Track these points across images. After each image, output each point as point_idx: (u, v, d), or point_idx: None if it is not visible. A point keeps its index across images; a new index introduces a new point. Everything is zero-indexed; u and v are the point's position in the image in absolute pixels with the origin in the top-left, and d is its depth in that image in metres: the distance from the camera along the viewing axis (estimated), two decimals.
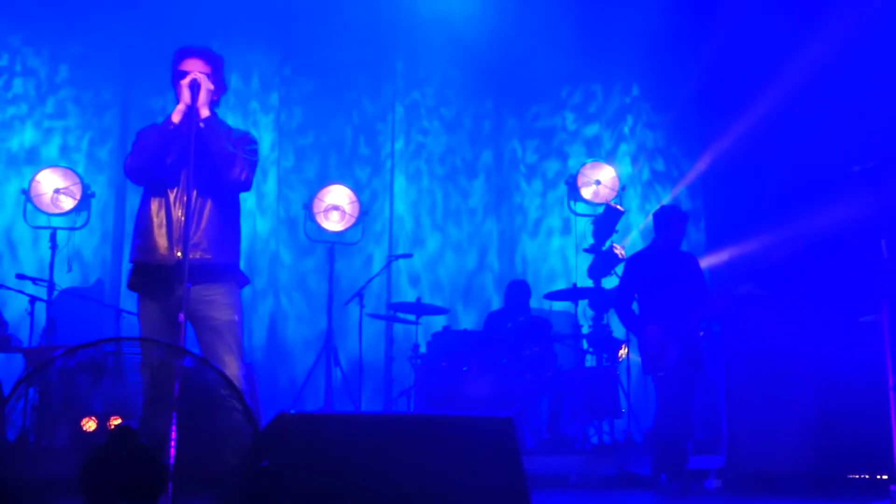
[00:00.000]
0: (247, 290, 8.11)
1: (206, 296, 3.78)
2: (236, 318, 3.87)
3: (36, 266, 7.58)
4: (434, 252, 8.76)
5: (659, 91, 9.06)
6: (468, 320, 8.47)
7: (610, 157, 8.74)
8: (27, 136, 8.15)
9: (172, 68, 4.00)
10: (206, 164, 3.82)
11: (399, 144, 8.81)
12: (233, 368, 3.74)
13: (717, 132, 8.34)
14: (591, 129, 9.07)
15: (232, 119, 8.19)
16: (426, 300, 7.86)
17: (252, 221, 8.34)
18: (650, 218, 6.28)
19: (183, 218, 3.78)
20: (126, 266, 7.83)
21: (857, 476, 5.30)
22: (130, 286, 3.96)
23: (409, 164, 8.84)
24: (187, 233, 3.64)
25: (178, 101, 3.93)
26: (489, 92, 9.07)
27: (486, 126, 9.03)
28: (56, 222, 7.43)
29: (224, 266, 3.89)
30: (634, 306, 5.94)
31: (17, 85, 8.20)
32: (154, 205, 3.88)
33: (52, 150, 8.14)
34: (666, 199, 8.71)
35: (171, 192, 3.87)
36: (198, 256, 3.78)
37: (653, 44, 8.66)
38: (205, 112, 3.85)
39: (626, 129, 9.08)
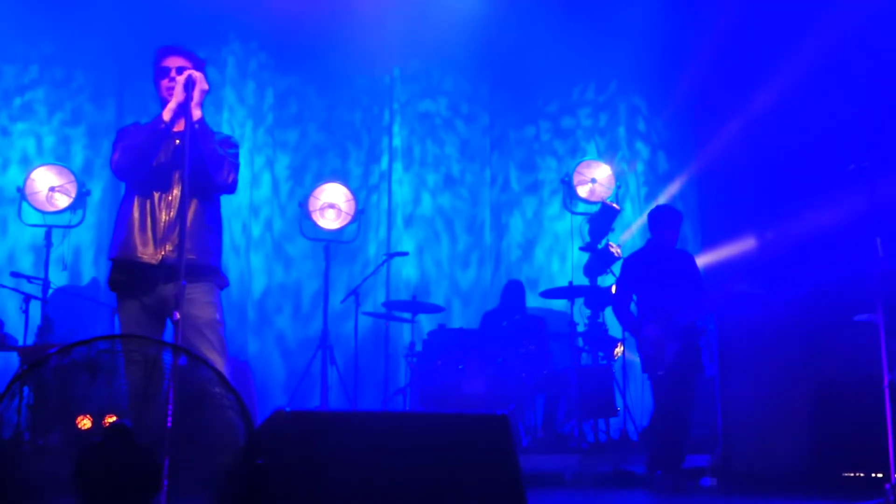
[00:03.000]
0: (243, 289, 8.17)
1: (188, 294, 3.77)
2: (217, 316, 3.87)
3: (31, 264, 7.57)
4: (432, 249, 8.77)
5: (654, 90, 9.07)
6: (465, 320, 8.49)
7: (605, 156, 8.75)
8: (24, 133, 8.14)
9: (155, 65, 3.98)
10: (195, 165, 3.80)
11: (396, 142, 8.81)
12: (218, 367, 3.73)
13: (711, 131, 8.35)
14: (587, 128, 9.08)
15: (226, 116, 8.23)
16: (423, 298, 7.87)
17: (249, 220, 8.34)
18: (646, 217, 6.28)
19: (168, 218, 3.78)
20: None
21: (852, 474, 5.31)
22: (110, 284, 3.95)
23: (406, 162, 8.84)
24: (182, 232, 3.62)
25: (161, 99, 3.92)
26: (486, 90, 9.08)
27: (484, 123, 9.04)
28: (51, 220, 7.41)
29: (206, 266, 3.89)
30: (632, 307, 5.94)
31: (18, 84, 8.18)
32: (137, 203, 3.86)
33: (47, 147, 8.13)
34: (661, 199, 8.72)
35: (157, 191, 3.86)
36: (182, 256, 3.76)
37: (648, 43, 8.66)
38: (197, 113, 3.83)
39: (621, 129, 9.08)
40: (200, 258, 3.86)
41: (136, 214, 3.85)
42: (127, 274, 3.85)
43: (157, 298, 3.75)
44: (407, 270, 8.61)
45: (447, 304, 8.38)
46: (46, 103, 8.21)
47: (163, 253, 3.76)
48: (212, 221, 3.98)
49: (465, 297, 8.75)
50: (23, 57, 8.21)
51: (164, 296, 3.69)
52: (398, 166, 8.79)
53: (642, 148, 9.10)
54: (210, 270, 3.91)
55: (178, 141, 3.85)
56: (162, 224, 3.80)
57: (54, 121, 8.22)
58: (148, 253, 3.79)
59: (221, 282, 4.01)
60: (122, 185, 4.08)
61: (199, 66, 4.01)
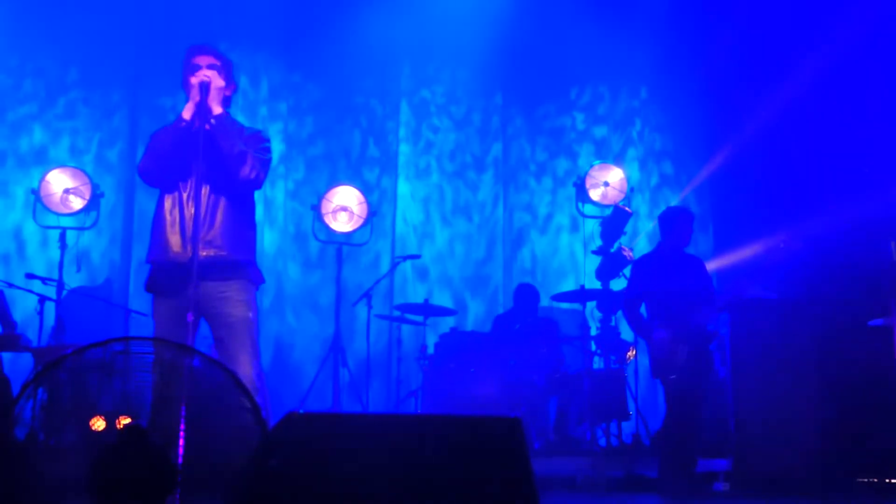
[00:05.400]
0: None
1: (221, 292, 3.79)
2: (251, 315, 3.87)
3: (45, 266, 7.61)
4: (442, 252, 8.78)
5: (667, 94, 9.06)
6: (476, 321, 8.50)
7: (618, 160, 8.74)
8: (37, 136, 8.19)
9: (183, 66, 4.01)
10: (216, 162, 3.83)
11: (406, 145, 8.82)
12: (246, 367, 3.74)
13: (725, 134, 8.33)
14: (600, 131, 9.08)
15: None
16: (435, 300, 7.87)
17: (260, 222, 8.35)
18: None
19: (195, 216, 3.80)
20: (135, 265, 7.86)
21: (866, 480, 5.28)
22: (147, 287, 3.97)
23: (418, 164, 8.85)
24: (197, 230, 3.64)
25: (187, 96, 3.95)
26: (498, 91, 9.08)
27: (494, 126, 9.05)
28: (65, 222, 7.45)
29: (239, 263, 3.89)
30: (643, 309, 5.92)
31: (27, 85, 8.23)
32: (168, 203, 3.90)
33: (61, 150, 8.18)
34: (674, 202, 8.70)
35: (184, 190, 3.88)
36: (212, 254, 3.78)
37: (661, 46, 8.65)
38: (217, 109, 3.87)
39: (635, 132, 9.07)
40: (233, 254, 3.87)
41: (166, 215, 3.88)
42: (162, 275, 3.87)
43: (189, 297, 3.76)
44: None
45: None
46: (64, 104, 8.27)
47: (192, 251, 3.77)
48: (244, 217, 3.99)
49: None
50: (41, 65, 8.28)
51: (197, 295, 3.69)
52: (409, 167, 8.80)
53: (656, 151, 9.08)
54: (244, 266, 3.92)
55: (203, 129, 3.86)
56: (189, 222, 3.81)
57: (77, 121, 8.28)
58: (179, 252, 3.81)
59: (257, 278, 4.01)
60: (136, 187, 4.12)
61: (224, 60, 4.03)
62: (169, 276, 3.83)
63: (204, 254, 3.68)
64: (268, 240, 8.44)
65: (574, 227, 8.72)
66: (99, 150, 8.26)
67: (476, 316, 8.63)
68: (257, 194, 4.21)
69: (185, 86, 3.98)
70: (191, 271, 3.63)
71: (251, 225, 4.04)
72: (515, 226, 8.95)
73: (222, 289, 3.79)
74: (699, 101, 8.81)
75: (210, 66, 3.93)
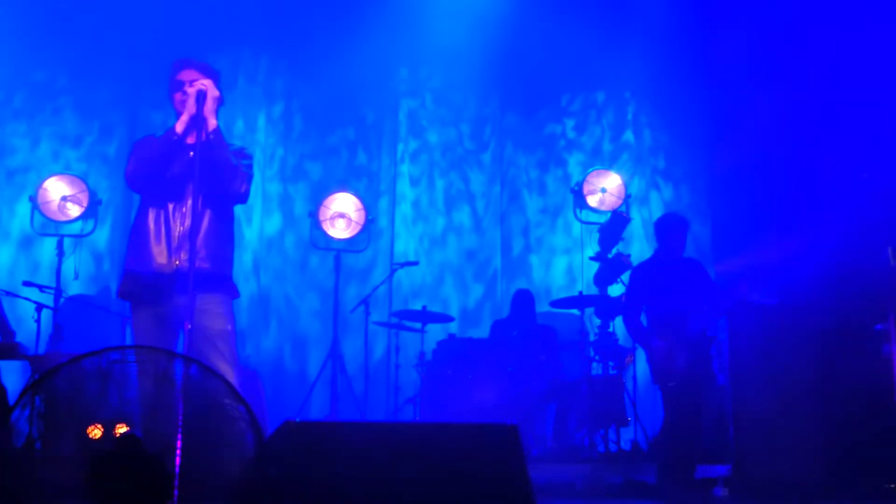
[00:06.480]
0: (253, 296, 8.19)
1: (200, 305, 3.79)
2: (229, 327, 3.91)
3: (42, 273, 7.60)
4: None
5: (663, 98, 9.06)
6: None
7: (613, 165, 8.75)
8: (35, 143, 8.18)
9: (170, 79, 4.02)
10: (210, 175, 3.83)
11: (402, 150, 8.83)
12: (228, 377, 3.75)
13: (721, 139, 8.33)
14: (595, 136, 9.09)
15: (238, 126, 8.25)
16: (435, 299, 7.88)
17: (259, 229, 8.36)
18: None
19: (182, 228, 3.82)
20: None
21: (866, 484, 5.27)
22: (122, 295, 3.97)
23: (416, 168, 8.86)
24: (193, 243, 3.65)
25: (176, 112, 3.96)
26: (493, 97, 9.10)
27: (488, 131, 9.06)
28: (63, 230, 7.44)
29: (219, 276, 3.92)
30: (642, 318, 5.91)
31: (25, 92, 8.23)
32: (152, 214, 3.90)
33: (59, 157, 8.17)
34: (670, 200, 8.71)
35: (171, 202, 3.89)
36: (195, 266, 3.79)
37: (657, 50, 8.65)
38: (212, 122, 3.87)
39: (630, 137, 9.07)
40: (215, 268, 3.89)
41: (150, 225, 3.88)
42: (142, 284, 3.88)
43: (172, 308, 3.77)
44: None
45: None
46: (63, 111, 8.26)
47: (177, 263, 3.79)
48: (225, 231, 4.01)
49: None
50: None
51: (179, 306, 3.70)
52: (405, 174, 8.81)
53: (652, 156, 9.09)
54: (223, 280, 3.94)
55: (191, 153, 3.87)
56: (176, 234, 3.83)
57: (76, 128, 8.28)
58: (162, 263, 3.82)
59: (233, 291, 4.04)
60: (135, 196, 4.13)
61: (214, 77, 4.04)
62: (150, 286, 3.83)
63: (186, 266, 3.69)
64: (266, 246, 8.44)
65: (569, 237, 8.74)
66: (97, 157, 8.26)
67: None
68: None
69: (172, 98, 3.99)
70: (173, 282, 3.67)
71: (231, 239, 4.06)
72: (513, 225, 8.97)
73: (201, 302, 3.79)
74: (696, 105, 8.82)
75: (192, 83, 3.93)
